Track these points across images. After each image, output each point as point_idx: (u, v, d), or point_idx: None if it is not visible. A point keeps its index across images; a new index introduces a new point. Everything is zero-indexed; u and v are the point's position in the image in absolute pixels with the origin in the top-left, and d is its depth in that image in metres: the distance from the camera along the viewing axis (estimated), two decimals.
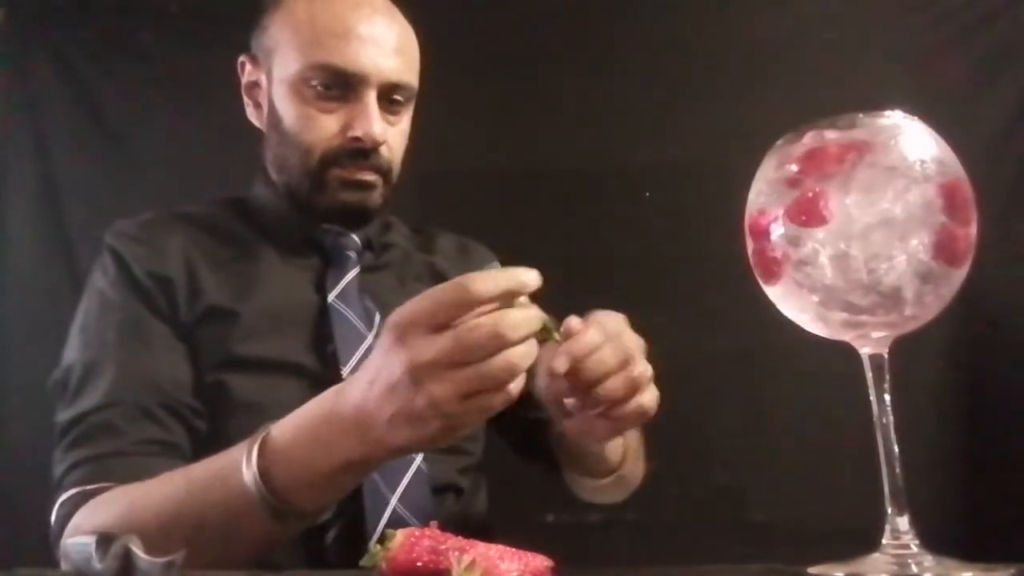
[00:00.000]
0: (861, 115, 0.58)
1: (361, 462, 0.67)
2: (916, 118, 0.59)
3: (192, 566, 0.63)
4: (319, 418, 0.68)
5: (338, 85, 0.93)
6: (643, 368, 0.70)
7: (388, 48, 0.94)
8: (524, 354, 0.60)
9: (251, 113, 1.02)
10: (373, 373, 0.63)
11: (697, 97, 1.67)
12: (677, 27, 1.72)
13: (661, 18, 1.71)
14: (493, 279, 0.60)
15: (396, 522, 0.83)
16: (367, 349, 0.90)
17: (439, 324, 0.60)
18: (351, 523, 0.84)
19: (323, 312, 0.93)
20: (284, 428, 0.70)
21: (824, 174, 0.57)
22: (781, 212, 0.58)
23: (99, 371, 0.87)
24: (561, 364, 0.66)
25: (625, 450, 0.92)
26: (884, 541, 0.56)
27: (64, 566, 0.64)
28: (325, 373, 0.88)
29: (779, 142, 0.61)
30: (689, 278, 1.61)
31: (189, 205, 1.04)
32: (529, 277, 0.61)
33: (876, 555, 0.56)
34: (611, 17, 1.72)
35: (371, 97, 0.93)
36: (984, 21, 1.65)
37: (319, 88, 0.93)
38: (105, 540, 0.53)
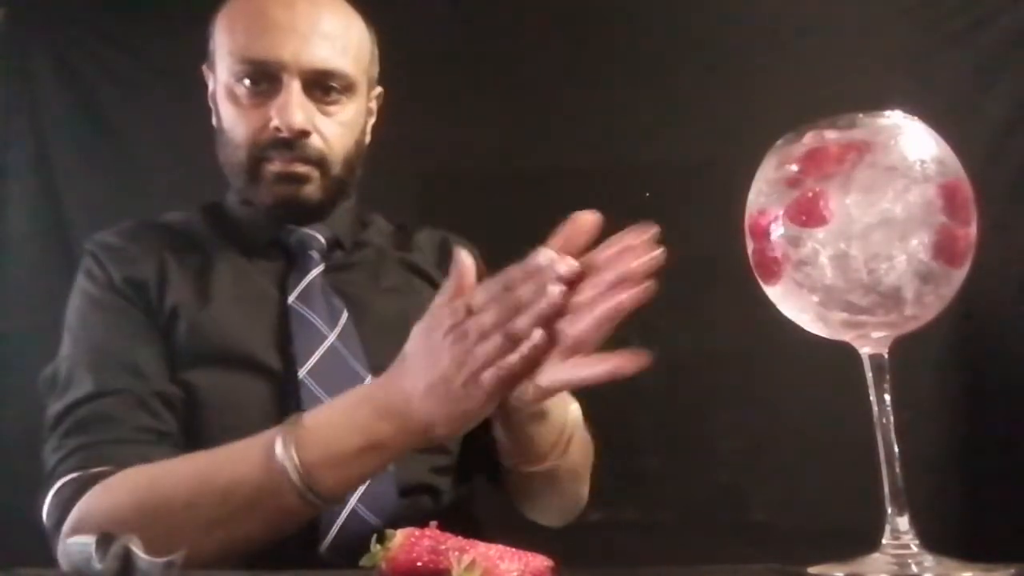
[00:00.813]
0: (861, 115, 0.58)
1: (384, 442, 0.69)
2: (916, 118, 0.59)
3: (210, 545, 0.70)
4: (356, 398, 0.72)
5: (263, 79, 0.93)
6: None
7: (311, 36, 0.93)
8: (525, 320, 0.62)
9: (215, 121, 1.02)
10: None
11: (697, 97, 1.67)
12: (677, 27, 1.72)
13: (661, 18, 1.71)
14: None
15: (356, 523, 0.82)
16: (327, 349, 0.91)
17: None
18: (308, 523, 0.84)
19: (284, 313, 0.93)
20: (316, 410, 0.74)
21: (824, 174, 0.57)
22: (781, 212, 0.58)
23: (88, 362, 0.88)
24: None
25: (562, 440, 0.86)
26: (884, 541, 0.56)
27: (62, 560, 0.64)
28: (286, 373, 0.89)
29: (779, 142, 0.61)
30: (689, 278, 1.61)
31: (167, 214, 1.05)
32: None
33: (876, 555, 0.56)
34: (611, 17, 1.72)
35: (293, 86, 0.92)
36: (984, 21, 1.65)
37: (247, 84, 0.94)
38: (105, 540, 0.53)
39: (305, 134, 0.93)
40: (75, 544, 0.54)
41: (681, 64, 1.69)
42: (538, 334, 0.62)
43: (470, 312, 0.65)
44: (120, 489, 0.78)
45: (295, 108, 0.92)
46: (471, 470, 1.01)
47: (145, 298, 0.92)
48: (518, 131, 1.69)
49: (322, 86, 0.95)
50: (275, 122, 0.92)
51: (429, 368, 0.66)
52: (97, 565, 0.52)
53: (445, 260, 1.08)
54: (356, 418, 0.70)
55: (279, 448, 0.70)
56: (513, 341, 0.62)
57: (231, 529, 0.72)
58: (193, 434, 0.86)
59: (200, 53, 1.04)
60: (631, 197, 1.66)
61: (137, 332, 0.91)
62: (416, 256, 1.07)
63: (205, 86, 1.03)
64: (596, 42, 1.72)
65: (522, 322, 0.62)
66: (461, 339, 0.64)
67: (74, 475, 0.81)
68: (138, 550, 0.52)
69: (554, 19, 1.72)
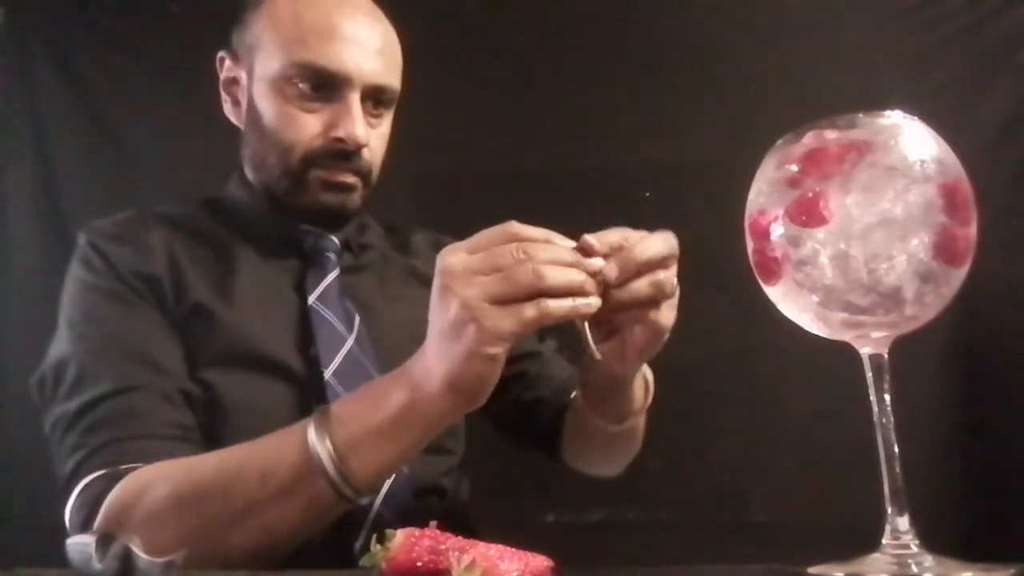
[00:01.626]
0: (861, 115, 0.58)
1: (410, 410, 0.69)
2: (916, 118, 0.59)
3: (244, 536, 0.71)
4: (383, 378, 0.74)
5: (321, 85, 0.93)
6: (666, 276, 0.75)
7: (371, 50, 0.94)
8: (552, 267, 0.64)
9: (228, 110, 1.02)
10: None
11: (697, 97, 1.67)
12: (677, 27, 1.72)
13: (661, 18, 1.71)
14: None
15: (378, 525, 0.82)
16: (348, 351, 0.90)
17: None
18: (336, 526, 0.83)
19: (304, 314, 0.93)
20: (344, 398, 0.77)
21: (824, 174, 0.57)
22: (781, 212, 0.58)
23: (103, 359, 0.85)
24: (611, 270, 0.70)
25: (648, 396, 0.90)
26: (884, 541, 0.56)
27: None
28: (308, 375, 0.89)
29: (779, 142, 0.61)
30: (689, 278, 1.61)
31: (163, 206, 1.02)
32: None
33: (876, 555, 0.56)
34: (611, 17, 1.72)
35: (354, 98, 0.92)
36: (984, 21, 1.65)
37: (302, 87, 0.93)
38: (105, 540, 0.53)
39: (363, 146, 0.94)
40: (75, 544, 0.54)
41: (681, 64, 1.69)
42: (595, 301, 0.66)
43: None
44: (155, 481, 0.76)
45: (359, 121, 0.93)
46: (515, 433, 1.08)
47: (157, 293, 0.90)
48: (518, 131, 1.69)
49: (375, 99, 0.95)
50: (339, 132, 0.92)
51: (438, 320, 0.67)
52: (97, 565, 0.52)
53: None
54: (383, 396, 0.71)
55: (312, 435, 0.70)
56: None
57: (265, 518, 0.71)
58: (212, 435, 0.85)
59: (200, 52, 1.04)
60: (631, 197, 1.66)
61: (151, 326, 0.88)
62: (418, 262, 1.08)
63: (215, 77, 1.02)
64: (596, 42, 1.72)
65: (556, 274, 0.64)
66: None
67: (102, 472, 0.78)
68: (138, 550, 0.52)
69: (554, 19, 1.72)
